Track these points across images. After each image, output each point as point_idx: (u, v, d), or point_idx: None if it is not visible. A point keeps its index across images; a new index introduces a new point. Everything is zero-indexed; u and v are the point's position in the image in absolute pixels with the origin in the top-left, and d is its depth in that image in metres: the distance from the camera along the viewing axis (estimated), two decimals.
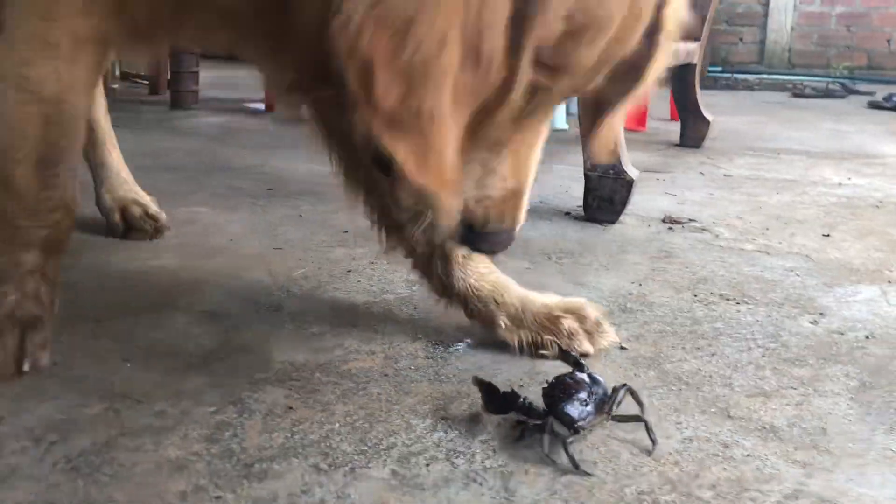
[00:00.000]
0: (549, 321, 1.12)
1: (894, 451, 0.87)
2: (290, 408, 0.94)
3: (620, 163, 1.80)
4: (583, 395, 0.87)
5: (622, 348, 1.13)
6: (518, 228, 0.91)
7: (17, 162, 1.00)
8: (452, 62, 0.66)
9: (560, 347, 1.08)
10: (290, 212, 1.86)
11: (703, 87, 6.19)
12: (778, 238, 1.75)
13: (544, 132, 0.88)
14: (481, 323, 1.15)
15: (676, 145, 3.06)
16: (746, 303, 1.33)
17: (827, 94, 5.64)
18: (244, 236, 1.65)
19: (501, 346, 1.12)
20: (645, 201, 2.05)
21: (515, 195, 0.88)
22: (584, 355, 1.08)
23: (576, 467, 0.82)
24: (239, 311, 1.24)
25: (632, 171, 1.82)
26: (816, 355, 1.13)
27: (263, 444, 0.86)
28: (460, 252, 1.14)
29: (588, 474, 0.81)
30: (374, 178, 1.14)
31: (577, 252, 1.60)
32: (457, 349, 1.12)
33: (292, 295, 1.32)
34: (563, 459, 0.83)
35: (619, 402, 0.91)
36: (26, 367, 1.00)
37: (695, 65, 2.89)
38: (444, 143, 0.70)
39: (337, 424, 0.91)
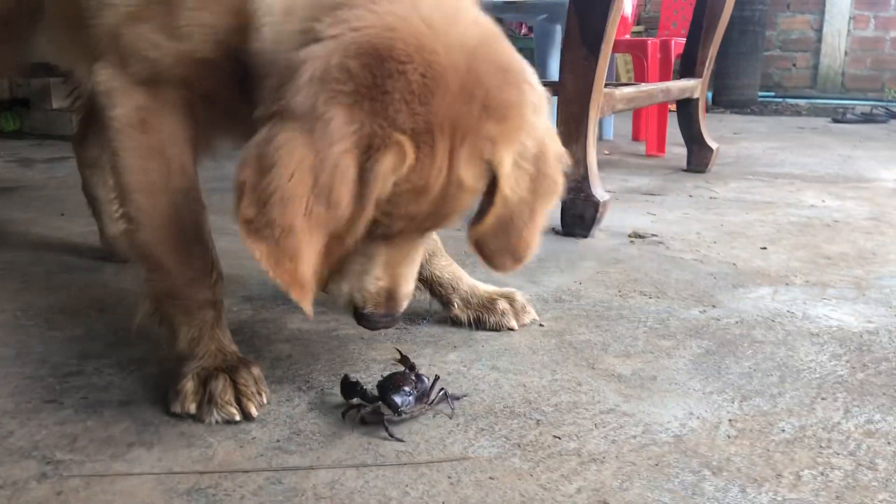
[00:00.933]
0: (489, 303, 1.53)
1: (695, 391, 1.25)
2: (290, 356, 1.38)
3: (590, 186, 2.18)
4: (407, 388, 1.14)
5: (540, 325, 1.53)
6: (395, 316, 1.16)
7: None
8: (300, 193, 0.92)
9: (401, 353, 1.24)
10: None
11: (753, 112, 6.51)
12: (719, 250, 2.11)
13: (418, 249, 1.16)
14: (440, 303, 1.56)
15: (684, 170, 3.41)
16: (658, 297, 1.71)
17: (869, 118, 5.83)
18: None
19: (453, 322, 1.53)
20: (623, 219, 2.43)
21: (389, 292, 1.14)
22: (511, 329, 1.49)
23: (394, 439, 1.08)
24: (268, 296, 1.69)
25: (600, 194, 2.21)
26: (686, 333, 1.50)
27: (267, 375, 1.29)
28: (428, 251, 1.56)
29: (399, 440, 1.11)
30: None
31: (543, 258, 2.00)
32: (419, 324, 1.54)
33: None
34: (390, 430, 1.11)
35: (438, 393, 1.19)
36: (253, 411, 1.15)
37: (696, 99, 3.25)
38: (297, 252, 0.95)
39: (319, 365, 1.34)
